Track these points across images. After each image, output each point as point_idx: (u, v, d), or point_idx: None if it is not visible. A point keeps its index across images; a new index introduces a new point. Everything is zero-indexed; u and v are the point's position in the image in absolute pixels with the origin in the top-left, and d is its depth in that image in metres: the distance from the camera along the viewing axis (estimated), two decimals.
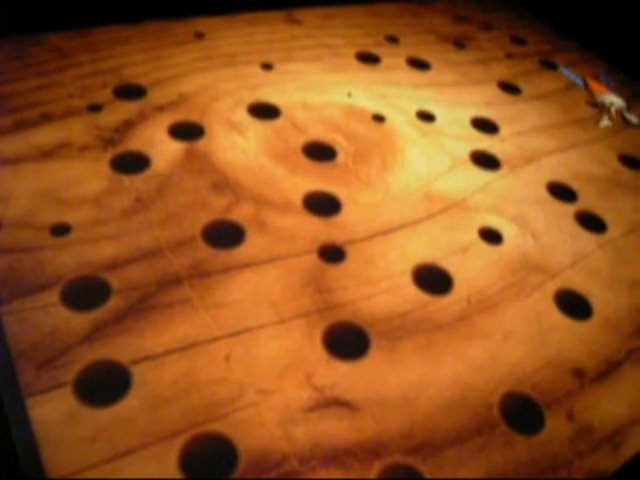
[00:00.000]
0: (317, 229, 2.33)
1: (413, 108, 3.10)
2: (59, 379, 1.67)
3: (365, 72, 3.24)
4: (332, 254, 2.23)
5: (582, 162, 3.03)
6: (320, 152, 2.64)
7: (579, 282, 2.35)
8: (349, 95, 3.04)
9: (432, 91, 3.31)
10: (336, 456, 1.65)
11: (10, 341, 1.68)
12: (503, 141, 3.06)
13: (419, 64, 3.44)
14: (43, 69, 2.75)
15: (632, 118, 2.36)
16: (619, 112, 2.41)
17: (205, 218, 2.12)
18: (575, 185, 2.85)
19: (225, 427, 1.68)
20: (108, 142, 2.46)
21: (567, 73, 2.15)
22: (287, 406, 1.77)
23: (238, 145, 2.55)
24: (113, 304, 1.90)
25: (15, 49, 2.80)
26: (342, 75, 3.21)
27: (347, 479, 1.62)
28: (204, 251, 2.11)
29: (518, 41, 4.02)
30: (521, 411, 1.85)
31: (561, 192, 2.77)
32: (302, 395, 1.80)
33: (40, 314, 1.81)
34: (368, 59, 3.37)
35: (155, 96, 2.80)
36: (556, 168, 2.94)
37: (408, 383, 1.89)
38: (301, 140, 2.70)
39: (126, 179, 2.36)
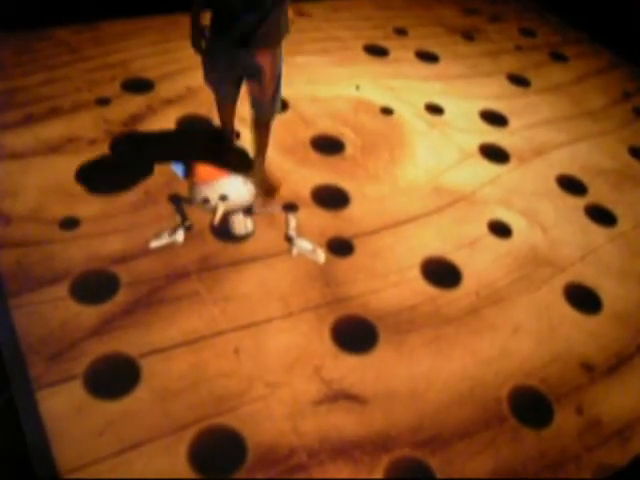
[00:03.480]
0: (325, 222, 2.33)
1: (422, 101, 3.09)
2: (68, 372, 1.68)
3: (373, 65, 3.23)
4: (340, 247, 2.23)
5: (592, 155, 3.01)
6: (328, 145, 2.64)
7: (589, 276, 2.34)
8: (357, 88, 3.04)
9: (441, 84, 3.30)
10: (344, 450, 1.66)
11: (19, 334, 1.69)
12: (512, 134, 3.04)
13: (428, 57, 3.43)
14: (51, 63, 2.76)
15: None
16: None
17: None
18: (585, 178, 2.84)
19: (234, 421, 1.68)
20: (116, 136, 2.46)
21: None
22: (296, 400, 1.78)
23: (246, 139, 2.55)
24: (122, 297, 1.91)
25: (23, 44, 2.81)
26: (350, 68, 3.20)
27: (356, 479, 1.63)
28: (213, 245, 2.12)
29: (527, 33, 3.99)
30: (530, 405, 1.85)
31: (571, 185, 2.76)
32: (311, 388, 1.80)
33: (49, 307, 1.82)
34: (376, 52, 3.36)
35: (163, 90, 2.80)
36: (566, 161, 2.93)
37: (417, 377, 1.88)
38: (309, 133, 2.69)
39: None
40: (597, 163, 2.84)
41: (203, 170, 1.91)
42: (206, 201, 1.91)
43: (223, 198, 1.91)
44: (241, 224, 2.06)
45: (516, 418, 1.74)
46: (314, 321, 1.88)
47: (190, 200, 2.01)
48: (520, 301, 2.09)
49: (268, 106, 2.13)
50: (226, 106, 2.27)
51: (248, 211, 2.04)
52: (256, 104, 2.14)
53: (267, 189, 2.26)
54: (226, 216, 2.02)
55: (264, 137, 2.25)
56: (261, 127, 2.22)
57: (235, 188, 1.93)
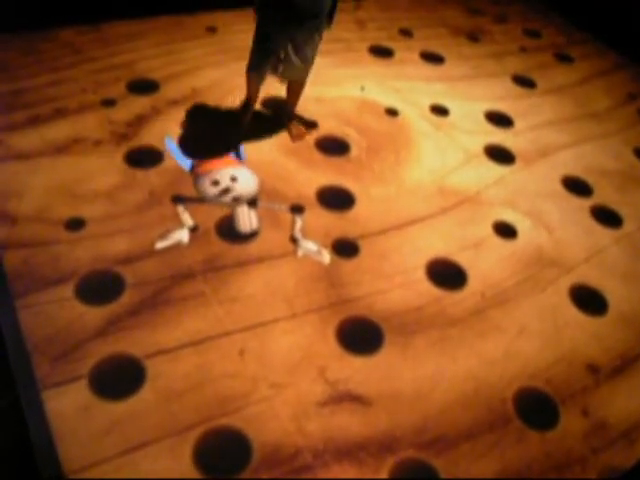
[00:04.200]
0: (330, 223, 2.33)
1: (426, 102, 3.09)
2: (74, 372, 1.68)
3: (378, 66, 3.23)
4: (345, 248, 2.23)
5: (597, 156, 3.01)
6: (333, 146, 2.64)
7: (594, 277, 2.33)
8: (362, 89, 3.04)
9: (446, 85, 3.30)
10: (349, 450, 1.66)
11: (25, 334, 1.70)
12: (517, 135, 3.04)
13: (432, 58, 3.43)
14: (56, 64, 2.76)
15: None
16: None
17: (219, 212, 2.12)
18: (590, 179, 2.83)
19: (239, 421, 1.68)
20: (122, 137, 2.47)
21: (172, 148, 2.08)
22: (300, 400, 1.78)
23: (250, 139, 2.55)
24: (127, 298, 1.91)
25: (28, 45, 2.81)
26: (355, 69, 3.20)
27: (360, 479, 1.63)
28: (218, 245, 2.12)
29: (532, 34, 3.98)
30: (535, 406, 1.85)
31: (576, 186, 2.75)
32: (315, 389, 1.80)
33: (55, 308, 1.82)
34: (381, 53, 3.36)
35: (168, 90, 2.80)
36: (570, 162, 2.92)
37: (422, 378, 1.88)
38: (313, 134, 2.70)
39: (140, 173, 2.37)
40: (602, 164, 2.83)
41: (209, 162, 1.93)
42: (216, 183, 1.92)
43: (233, 179, 1.92)
44: (246, 220, 2.06)
45: (521, 420, 1.74)
46: (319, 322, 1.88)
47: (192, 199, 2.01)
48: (525, 302, 2.08)
49: (306, 71, 2.42)
50: (260, 77, 2.42)
51: (253, 203, 2.05)
52: (295, 71, 2.39)
53: (296, 133, 2.59)
54: (231, 212, 2.03)
55: (298, 92, 2.56)
56: (296, 86, 2.52)
57: (243, 174, 1.95)
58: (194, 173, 2.03)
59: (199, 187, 1.99)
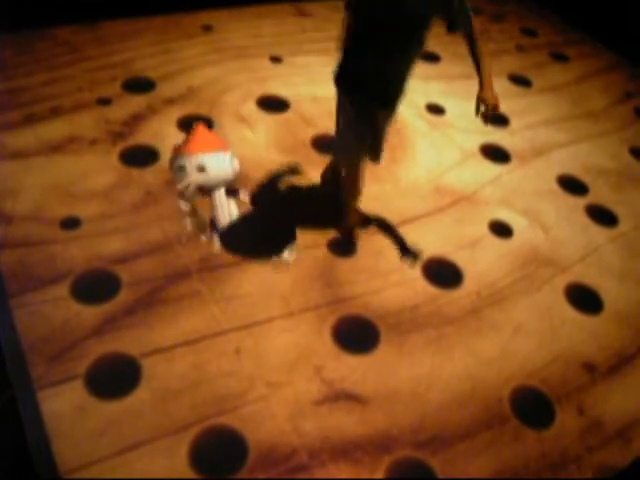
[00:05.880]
0: None
1: (423, 101, 3.09)
2: (70, 372, 1.68)
3: None
4: (342, 247, 2.22)
5: (593, 155, 3.01)
6: (329, 145, 2.63)
7: (590, 276, 2.34)
8: None
9: (442, 84, 3.30)
10: (346, 450, 1.66)
11: (21, 334, 1.69)
12: (513, 134, 3.04)
13: (429, 56, 3.42)
14: (52, 63, 2.76)
15: None
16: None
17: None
18: (586, 178, 2.84)
19: (235, 420, 1.68)
20: (117, 136, 2.47)
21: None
22: (297, 400, 1.78)
23: (247, 138, 2.55)
24: (123, 297, 1.91)
25: (24, 44, 2.81)
26: None
27: (357, 479, 1.63)
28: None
29: (529, 33, 3.99)
30: (531, 405, 1.85)
31: (572, 185, 2.76)
32: (312, 388, 1.80)
33: (50, 307, 1.82)
34: None
35: (164, 89, 2.80)
36: (567, 161, 2.93)
37: (418, 377, 1.88)
38: (310, 133, 2.69)
39: (135, 173, 2.37)
40: (598, 163, 2.83)
41: (192, 142, 1.90)
42: (182, 169, 1.90)
43: (201, 169, 1.90)
44: (225, 212, 2.04)
45: (517, 418, 1.74)
46: (315, 321, 1.88)
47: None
48: (521, 301, 2.09)
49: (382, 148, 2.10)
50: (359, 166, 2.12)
51: (233, 193, 2.04)
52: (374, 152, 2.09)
53: (360, 223, 2.24)
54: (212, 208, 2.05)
55: (360, 179, 2.15)
56: (362, 169, 2.12)
57: (217, 163, 1.92)
58: (173, 147, 2.00)
59: (171, 161, 1.96)
